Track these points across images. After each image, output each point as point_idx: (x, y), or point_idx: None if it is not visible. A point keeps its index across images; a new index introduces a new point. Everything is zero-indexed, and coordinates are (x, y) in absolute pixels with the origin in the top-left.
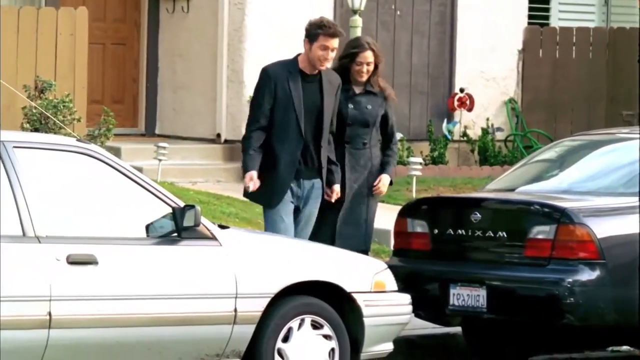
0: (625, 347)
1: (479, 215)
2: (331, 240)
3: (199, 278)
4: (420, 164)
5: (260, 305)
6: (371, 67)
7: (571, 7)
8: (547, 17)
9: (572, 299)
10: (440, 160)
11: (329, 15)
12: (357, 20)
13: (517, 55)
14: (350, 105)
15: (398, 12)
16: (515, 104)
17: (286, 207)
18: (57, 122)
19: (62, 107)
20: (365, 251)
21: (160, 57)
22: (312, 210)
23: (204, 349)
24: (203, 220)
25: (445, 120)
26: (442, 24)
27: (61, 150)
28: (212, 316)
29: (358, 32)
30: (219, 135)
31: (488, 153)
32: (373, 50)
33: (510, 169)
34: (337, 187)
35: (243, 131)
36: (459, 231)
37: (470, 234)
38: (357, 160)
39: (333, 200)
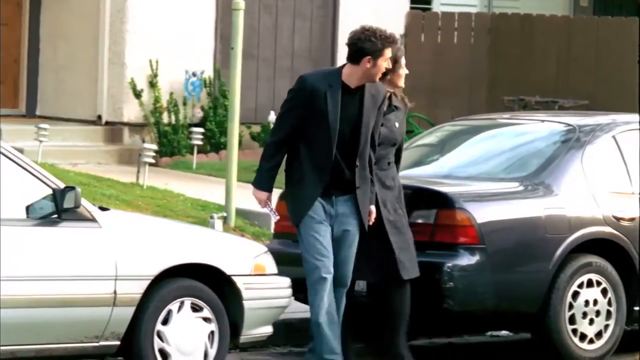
0: (504, 332)
1: None
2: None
3: (78, 260)
4: None
5: (140, 287)
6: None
7: None
8: (429, 2)
9: (451, 283)
10: None
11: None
12: (240, 2)
13: (400, 40)
14: (381, 124)
15: None
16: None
17: (318, 227)
18: None
19: None
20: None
21: (42, 38)
22: (348, 229)
23: (83, 330)
24: (83, 202)
25: None
26: (325, 7)
27: None
28: (91, 298)
29: (240, 16)
30: (100, 117)
31: None
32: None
33: None
34: (373, 209)
35: (124, 113)
36: None
37: None
38: (384, 181)
39: (370, 223)
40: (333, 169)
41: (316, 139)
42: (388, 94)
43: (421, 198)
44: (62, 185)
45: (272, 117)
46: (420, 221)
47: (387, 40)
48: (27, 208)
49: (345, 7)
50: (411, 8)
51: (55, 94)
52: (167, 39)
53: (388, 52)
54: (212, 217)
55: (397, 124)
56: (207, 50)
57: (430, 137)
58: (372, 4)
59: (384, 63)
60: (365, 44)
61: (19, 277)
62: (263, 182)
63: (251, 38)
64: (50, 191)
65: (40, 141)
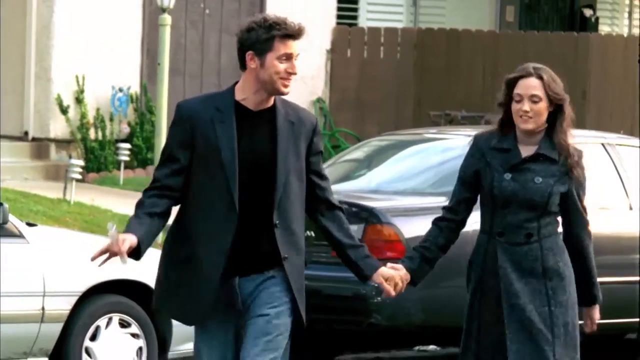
0: (431, 347)
1: None
2: None
3: (6, 276)
4: None
5: (68, 303)
6: (540, 108)
7: (380, 8)
8: (355, 17)
9: (378, 298)
10: None
11: (137, 14)
12: (167, 18)
13: (326, 55)
14: (508, 175)
15: (207, 11)
16: (324, 103)
17: (216, 329)
18: None
19: None
20: None
21: None
22: (267, 320)
23: (11, 347)
24: (11, 217)
25: None
26: None
27: None
28: (19, 314)
29: (167, 32)
30: (26, 132)
31: None
32: (542, 79)
33: (325, 164)
34: (386, 271)
35: (51, 128)
36: None
37: None
38: (516, 262)
39: (394, 294)
40: (239, 233)
41: (207, 192)
42: (538, 135)
43: (349, 213)
44: None
45: None
46: None
47: (277, 27)
48: None
49: None
50: (337, 23)
51: None
52: (94, 55)
53: (282, 46)
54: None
55: (539, 178)
56: (134, 66)
57: (358, 152)
58: (299, 18)
59: (281, 63)
60: (245, 35)
61: None
62: (127, 228)
63: (178, 54)
64: None
65: None
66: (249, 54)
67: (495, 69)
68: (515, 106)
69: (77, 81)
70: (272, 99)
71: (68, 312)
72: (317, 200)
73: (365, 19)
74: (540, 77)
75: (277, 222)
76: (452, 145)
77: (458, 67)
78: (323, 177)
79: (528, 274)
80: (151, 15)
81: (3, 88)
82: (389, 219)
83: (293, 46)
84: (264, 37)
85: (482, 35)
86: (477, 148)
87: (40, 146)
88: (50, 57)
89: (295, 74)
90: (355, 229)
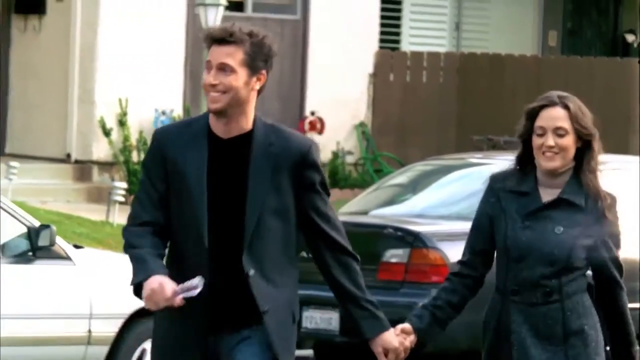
0: None
1: None
2: None
3: (53, 298)
4: None
5: (115, 326)
6: (566, 143)
7: (422, 32)
8: (397, 42)
9: None
10: None
11: (180, 36)
12: None
13: (368, 79)
14: (525, 224)
15: None
16: (366, 127)
17: None
18: None
19: None
20: None
21: (11, 75)
22: None
23: None
24: (58, 240)
25: None
26: (294, 45)
27: None
28: (66, 337)
29: None
30: (69, 155)
31: (338, 176)
32: (568, 110)
33: (364, 192)
34: (389, 340)
35: (93, 151)
36: (310, 254)
37: None
38: (533, 325)
39: None
40: (212, 281)
41: (180, 225)
42: (563, 176)
43: (395, 237)
44: (37, 223)
45: None
46: (393, 260)
47: (206, 35)
48: (2, 246)
49: (315, 46)
50: (380, 47)
51: (24, 132)
52: (137, 77)
53: (208, 54)
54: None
55: (560, 228)
56: (177, 89)
57: (402, 177)
58: (342, 43)
59: (206, 74)
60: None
61: None
62: (139, 269)
63: None
64: (24, 229)
65: (10, 179)
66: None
67: (538, 94)
68: (537, 141)
69: (120, 104)
70: (245, 122)
71: (114, 334)
72: (317, 242)
73: (408, 43)
74: (567, 107)
75: (250, 270)
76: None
77: (500, 91)
78: (323, 215)
79: (546, 340)
80: (194, 38)
81: (46, 110)
82: (435, 243)
83: (214, 52)
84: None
85: (524, 60)
86: (493, 191)
87: (82, 168)
88: (93, 79)
89: (213, 85)
90: (401, 253)
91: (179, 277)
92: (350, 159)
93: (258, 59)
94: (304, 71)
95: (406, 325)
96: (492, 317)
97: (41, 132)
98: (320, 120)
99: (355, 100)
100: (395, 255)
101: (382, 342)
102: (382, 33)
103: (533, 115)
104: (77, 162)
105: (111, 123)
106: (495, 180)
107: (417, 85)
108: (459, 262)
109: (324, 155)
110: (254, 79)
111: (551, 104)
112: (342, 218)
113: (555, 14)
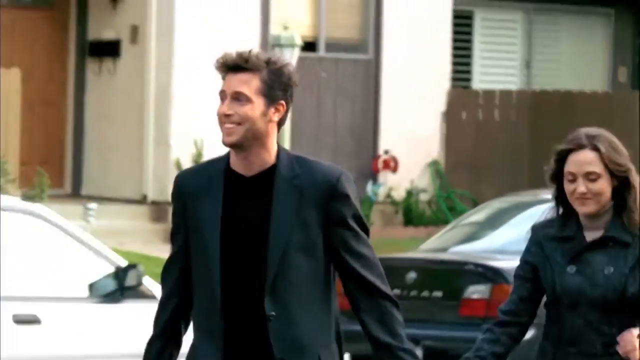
0: None
1: (414, 275)
2: None
3: (141, 338)
4: None
5: None
6: (600, 187)
7: (493, 70)
8: (468, 79)
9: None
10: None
11: None
12: None
13: (441, 117)
14: (572, 268)
15: (323, 74)
16: (439, 165)
17: None
18: None
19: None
20: None
21: (87, 118)
22: None
23: None
24: (144, 279)
25: (370, 182)
26: (367, 85)
27: (6, 210)
28: None
29: None
30: (145, 196)
31: (412, 214)
32: (598, 151)
33: (442, 231)
34: None
35: (170, 192)
36: (394, 291)
37: (405, 293)
38: None
39: None
40: (229, 331)
41: (197, 276)
42: (605, 216)
43: (476, 273)
44: (124, 263)
45: None
46: (475, 296)
47: (217, 65)
48: (91, 286)
49: (387, 85)
50: (452, 86)
51: (100, 174)
52: (212, 118)
53: (224, 83)
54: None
55: (610, 269)
56: None
57: (479, 214)
58: (413, 83)
59: (220, 104)
60: None
61: (83, 355)
62: None
63: (295, 116)
64: (112, 269)
65: (88, 221)
66: None
67: (610, 130)
68: (568, 187)
69: (196, 145)
70: (268, 156)
71: None
72: (348, 283)
73: (479, 81)
74: (596, 149)
75: (272, 312)
76: None
77: (572, 128)
78: (355, 252)
79: None
80: None
81: (122, 152)
82: None
83: (229, 80)
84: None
85: (596, 96)
86: (535, 240)
87: (159, 209)
88: (168, 121)
89: (227, 115)
90: (483, 289)
91: (197, 337)
92: (424, 197)
93: (276, 87)
94: (376, 110)
95: None
96: None
97: (117, 173)
98: (394, 159)
99: (428, 138)
100: (476, 291)
101: None
102: (453, 71)
103: (561, 158)
104: (153, 203)
105: (187, 164)
106: (537, 230)
107: (490, 123)
108: (502, 311)
109: (398, 194)
110: (272, 109)
111: (579, 147)
112: (424, 255)
113: (625, 50)
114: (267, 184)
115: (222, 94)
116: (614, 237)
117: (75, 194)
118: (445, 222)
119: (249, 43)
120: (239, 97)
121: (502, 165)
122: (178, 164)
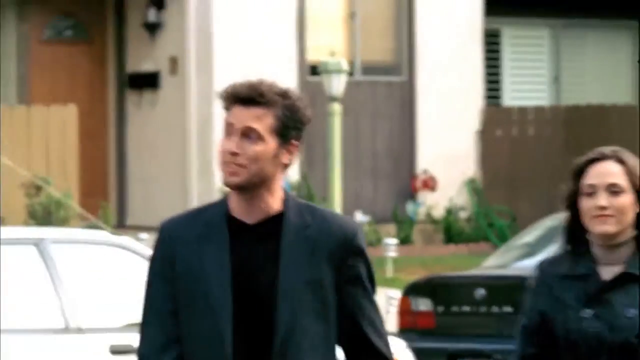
0: None
1: (483, 291)
2: None
3: None
4: (396, 245)
5: None
6: (623, 203)
7: (522, 87)
8: (498, 97)
9: None
10: (407, 241)
11: None
12: (336, 107)
13: (476, 135)
14: (588, 312)
15: (360, 97)
16: (476, 182)
17: None
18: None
19: (62, 203)
20: None
21: (129, 150)
22: None
23: None
24: None
25: (410, 202)
26: (402, 106)
27: (95, 243)
28: None
29: (337, 122)
30: None
31: (452, 232)
32: (623, 164)
33: (502, 248)
34: None
35: None
36: (464, 307)
37: (474, 309)
38: None
39: None
40: None
41: (195, 336)
42: (625, 248)
43: None
44: None
45: (358, 216)
46: None
47: (223, 92)
48: None
49: (422, 106)
50: (486, 103)
51: (144, 205)
52: None
53: (227, 115)
54: None
55: (631, 310)
56: None
57: (531, 234)
58: (448, 102)
59: (224, 140)
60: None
61: None
62: None
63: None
64: None
65: None
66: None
67: None
68: (586, 203)
69: None
70: (273, 201)
71: None
72: (356, 350)
73: (509, 98)
74: (621, 161)
75: None
76: None
77: (607, 141)
78: (369, 318)
79: None
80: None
81: (165, 183)
82: None
83: (239, 113)
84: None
85: (628, 109)
86: (543, 282)
87: None
88: (211, 151)
89: (233, 153)
90: None
91: None
92: (462, 215)
93: (290, 125)
94: (412, 131)
95: None
96: None
97: (161, 204)
98: (432, 178)
99: (464, 156)
100: None
101: None
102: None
103: (579, 173)
104: None
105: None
106: (545, 268)
107: (524, 139)
108: None
109: (437, 212)
110: (284, 151)
111: (602, 157)
112: (488, 272)
113: None
114: (274, 232)
115: (229, 128)
116: (635, 274)
117: (121, 226)
118: (485, 238)
119: (287, 69)
120: (249, 134)
121: (538, 181)
122: (222, 192)
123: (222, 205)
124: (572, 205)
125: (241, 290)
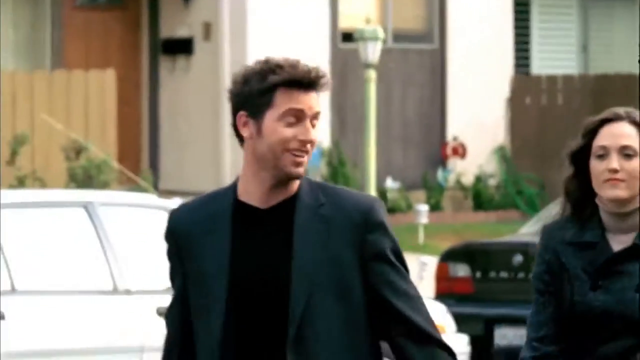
0: None
1: (520, 257)
2: None
3: None
4: (427, 211)
5: None
6: (636, 166)
7: (550, 55)
8: (527, 65)
9: None
10: (437, 208)
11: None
12: (372, 73)
13: (505, 103)
14: (597, 283)
15: (391, 64)
16: (505, 150)
17: None
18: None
19: (103, 167)
20: None
21: (162, 115)
22: None
23: None
24: None
25: (440, 169)
26: (433, 73)
27: (143, 206)
28: None
29: (372, 89)
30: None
31: (482, 199)
32: (637, 125)
33: (539, 214)
34: None
35: None
36: (501, 273)
37: (511, 275)
38: None
39: None
40: None
41: (199, 332)
42: (636, 216)
43: None
44: None
45: (389, 183)
46: None
47: (277, 71)
48: None
49: (453, 74)
50: (515, 72)
51: (177, 169)
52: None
53: (287, 99)
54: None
55: None
56: (324, 123)
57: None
58: (478, 70)
59: (287, 126)
60: (239, 88)
61: None
62: None
63: (362, 108)
64: None
65: None
66: (240, 117)
67: None
68: (596, 165)
69: None
70: (294, 185)
71: None
72: (394, 328)
73: (537, 67)
74: (636, 123)
75: None
76: None
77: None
78: (401, 292)
79: None
80: (339, 73)
81: (198, 147)
82: None
83: (306, 100)
84: (258, 87)
85: None
86: (547, 245)
87: None
88: None
89: (311, 142)
90: None
91: None
92: (492, 182)
93: None
94: (443, 98)
95: None
96: None
97: (194, 168)
98: (462, 145)
99: (493, 124)
100: None
101: None
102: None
103: (591, 133)
104: None
105: None
106: (550, 233)
107: (553, 108)
108: (534, 339)
109: (467, 179)
110: None
111: (616, 117)
112: (526, 239)
113: None
114: (287, 215)
115: (300, 114)
116: None
117: (154, 190)
118: (514, 206)
119: (320, 35)
120: (316, 117)
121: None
122: None
123: (231, 190)
124: (578, 164)
125: (246, 280)
